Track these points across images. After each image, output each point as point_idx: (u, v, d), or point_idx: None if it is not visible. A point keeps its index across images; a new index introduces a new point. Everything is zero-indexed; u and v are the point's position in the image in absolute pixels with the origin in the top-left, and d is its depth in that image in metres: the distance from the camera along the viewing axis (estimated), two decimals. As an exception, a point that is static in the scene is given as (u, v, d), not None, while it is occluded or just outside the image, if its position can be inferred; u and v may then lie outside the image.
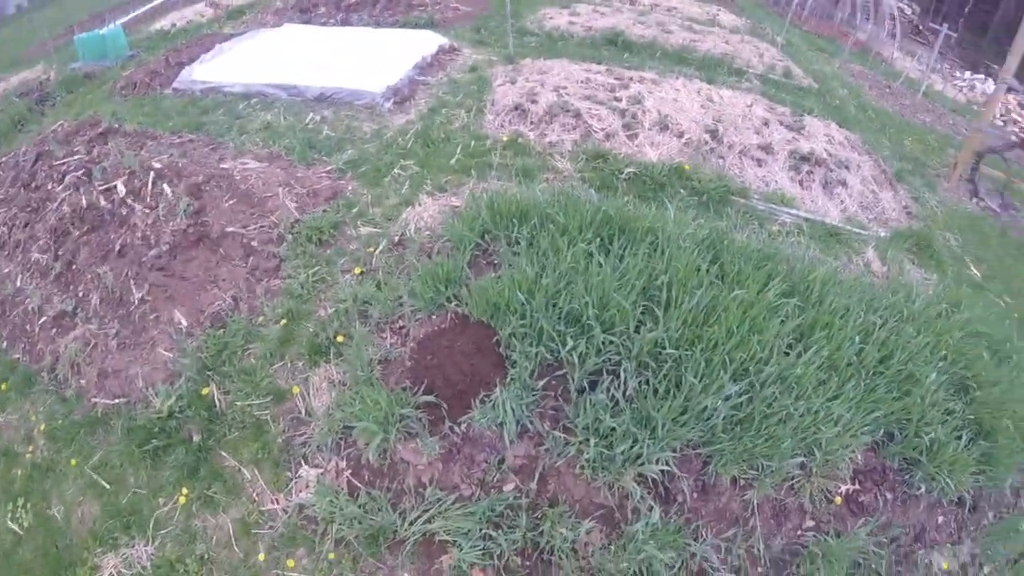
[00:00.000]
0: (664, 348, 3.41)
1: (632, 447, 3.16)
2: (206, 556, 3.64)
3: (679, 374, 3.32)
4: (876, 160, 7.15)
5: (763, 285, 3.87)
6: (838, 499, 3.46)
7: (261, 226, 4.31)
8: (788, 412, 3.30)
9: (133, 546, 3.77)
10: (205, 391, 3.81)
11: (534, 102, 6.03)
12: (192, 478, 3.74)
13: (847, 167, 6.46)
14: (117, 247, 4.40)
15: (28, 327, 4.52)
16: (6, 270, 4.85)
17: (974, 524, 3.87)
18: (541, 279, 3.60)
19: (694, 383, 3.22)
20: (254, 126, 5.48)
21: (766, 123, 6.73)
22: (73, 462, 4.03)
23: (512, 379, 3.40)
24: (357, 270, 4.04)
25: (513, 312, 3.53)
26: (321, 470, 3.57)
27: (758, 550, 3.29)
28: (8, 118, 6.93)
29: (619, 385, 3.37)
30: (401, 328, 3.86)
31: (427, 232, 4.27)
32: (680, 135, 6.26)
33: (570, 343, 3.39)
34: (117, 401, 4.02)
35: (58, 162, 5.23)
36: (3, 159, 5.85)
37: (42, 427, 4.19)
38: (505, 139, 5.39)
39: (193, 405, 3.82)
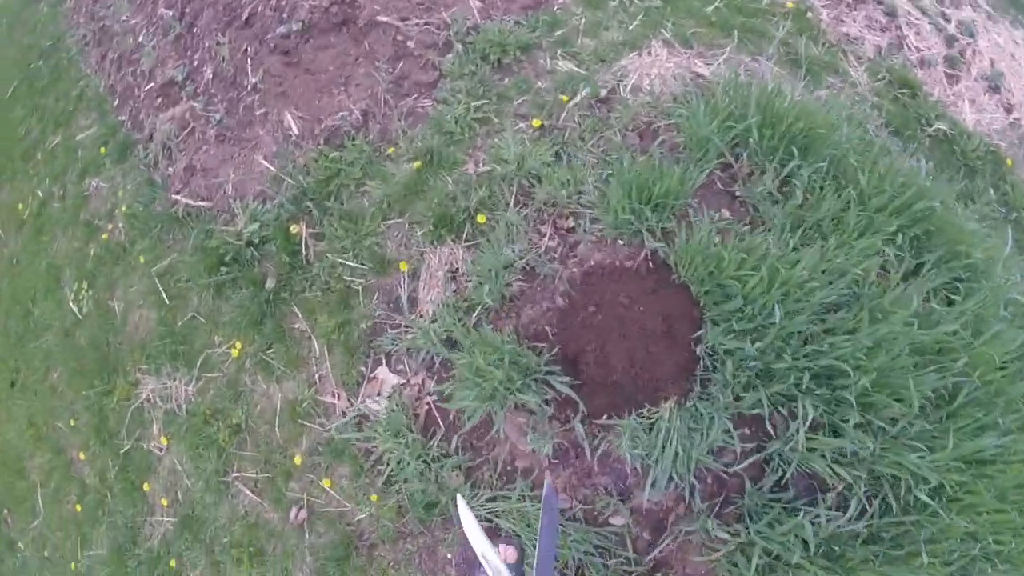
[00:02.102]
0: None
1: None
2: (242, 426, 2.88)
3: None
4: None
5: None
6: None
7: (426, 23, 3.06)
8: None
9: (176, 379, 3.12)
10: (294, 229, 2.83)
11: (835, -32, 4.01)
12: (253, 329, 2.91)
13: None
14: (245, 15, 3.40)
15: (137, 90, 3.80)
16: (134, 21, 4.13)
17: None
18: (800, 270, 2.12)
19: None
20: None
21: None
22: (142, 259, 3.38)
23: (699, 401, 2.07)
24: (536, 122, 2.71)
25: (740, 312, 2.10)
26: (403, 381, 2.53)
27: None
28: None
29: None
30: (569, 232, 2.54)
31: (648, 100, 2.78)
32: (1009, 108, 4.10)
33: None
34: (200, 204, 3.20)
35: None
36: None
37: (124, 208, 3.57)
38: (790, 5, 3.56)
39: (277, 239, 2.88)
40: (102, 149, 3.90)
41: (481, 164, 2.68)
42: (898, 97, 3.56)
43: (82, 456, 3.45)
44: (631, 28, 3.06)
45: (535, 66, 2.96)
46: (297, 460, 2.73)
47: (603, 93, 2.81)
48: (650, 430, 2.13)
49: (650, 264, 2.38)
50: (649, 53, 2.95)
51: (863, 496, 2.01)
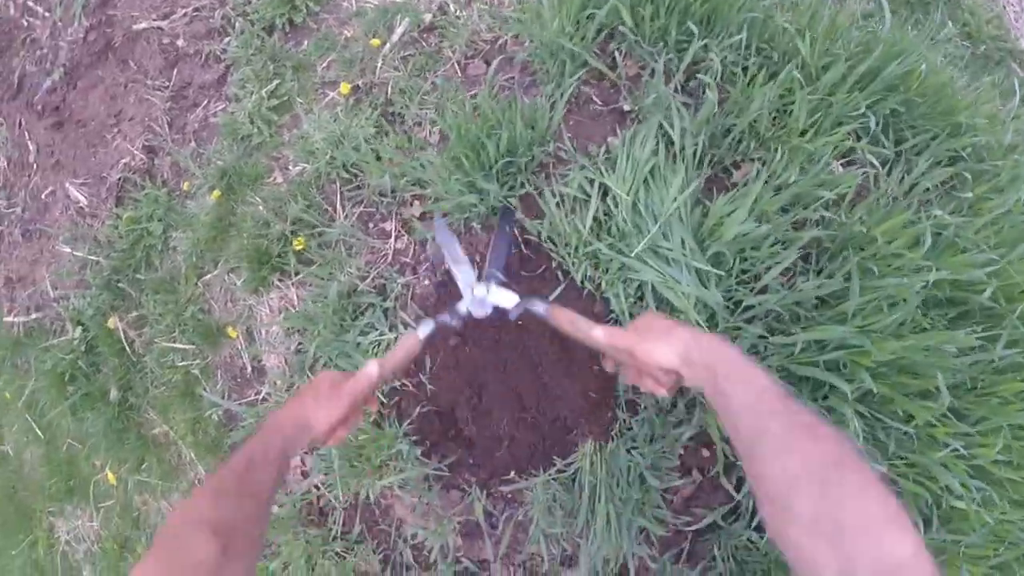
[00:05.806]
0: None
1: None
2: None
3: None
4: None
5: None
6: None
7: (195, 9, 2.34)
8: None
9: (79, 516, 2.67)
10: (111, 322, 2.24)
11: None
12: (118, 447, 2.39)
13: None
14: (16, 79, 2.76)
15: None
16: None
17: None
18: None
19: None
20: None
21: None
22: (8, 394, 2.88)
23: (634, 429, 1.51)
24: (344, 87, 1.98)
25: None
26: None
27: None
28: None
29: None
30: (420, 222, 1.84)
31: (486, 8, 1.99)
32: None
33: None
34: (33, 317, 2.65)
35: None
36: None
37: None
38: None
39: (101, 342, 2.29)
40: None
41: (291, 166, 2.00)
42: None
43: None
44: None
45: (338, 13, 2.21)
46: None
47: (428, 19, 2.05)
48: (573, 485, 1.48)
49: (522, 251, 1.67)
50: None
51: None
